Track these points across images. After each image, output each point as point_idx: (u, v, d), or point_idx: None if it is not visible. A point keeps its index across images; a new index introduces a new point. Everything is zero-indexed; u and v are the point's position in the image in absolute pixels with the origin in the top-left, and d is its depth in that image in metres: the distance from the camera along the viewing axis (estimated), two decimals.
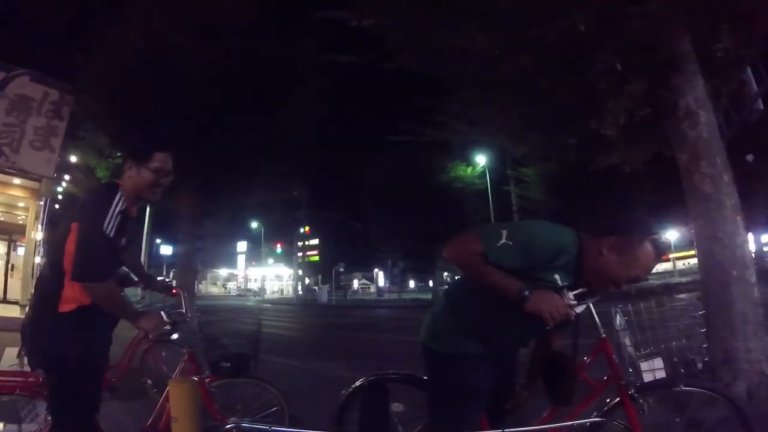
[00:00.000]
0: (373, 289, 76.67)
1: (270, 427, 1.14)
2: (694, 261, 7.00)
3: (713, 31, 5.10)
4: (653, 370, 2.76)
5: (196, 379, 3.23)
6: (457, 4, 5.36)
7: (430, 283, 49.39)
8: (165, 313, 2.91)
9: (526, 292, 2.15)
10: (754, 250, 33.35)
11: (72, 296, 2.52)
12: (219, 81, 12.73)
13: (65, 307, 2.52)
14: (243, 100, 13.24)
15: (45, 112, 14.32)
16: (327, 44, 11.16)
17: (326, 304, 45.20)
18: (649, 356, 2.80)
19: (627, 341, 2.85)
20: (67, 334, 2.53)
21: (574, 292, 2.24)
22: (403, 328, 19.08)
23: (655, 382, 2.75)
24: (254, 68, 13.35)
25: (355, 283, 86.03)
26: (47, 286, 2.61)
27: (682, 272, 42.07)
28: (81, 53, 13.59)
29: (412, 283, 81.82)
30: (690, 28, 5.05)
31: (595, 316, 2.69)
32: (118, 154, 14.26)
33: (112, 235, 2.50)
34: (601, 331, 2.72)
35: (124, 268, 3.28)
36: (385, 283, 73.93)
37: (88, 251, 2.47)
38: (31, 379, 2.88)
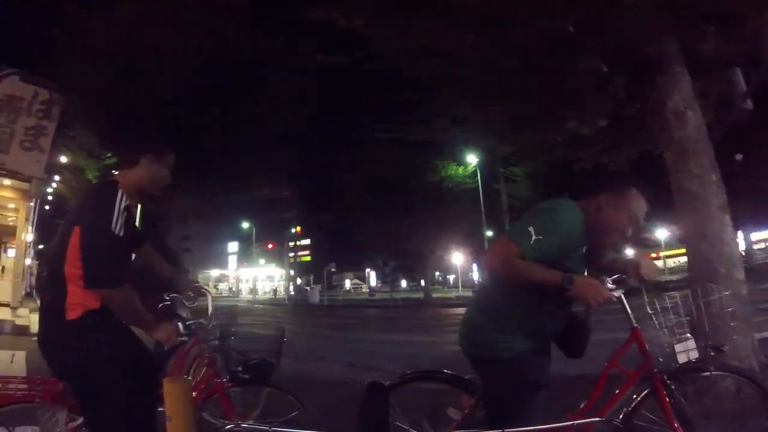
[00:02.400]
0: (365, 288, 76.63)
1: (270, 428, 1.15)
2: (684, 259, 7.06)
3: (700, 32, 5.15)
4: (687, 351, 2.80)
5: (216, 381, 3.31)
6: (442, 6, 5.38)
7: (422, 282, 49.36)
8: (181, 323, 2.87)
9: (569, 281, 2.28)
10: (743, 248, 33.62)
11: (77, 302, 2.38)
12: (199, 78, 12.61)
13: (72, 315, 2.38)
14: (218, 96, 13.13)
15: (35, 112, 14.21)
16: (311, 42, 11.15)
17: (318, 304, 45.07)
18: (682, 339, 2.84)
19: (660, 324, 2.88)
20: (80, 341, 2.40)
21: (612, 277, 2.51)
22: (396, 327, 19.17)
23: (689, 365, 2.79)
24: (235, 64, 13.25)
25: (347, 283, 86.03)
26: (50, 296, 2.48)
27: (672, 270, 42.31)
28: (59, 51, 13.42)
29: (404, 283, 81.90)
30: (676, 29, 5.08)
31: (627, 305, 2.72)
32: (108, 155, 14.18)
33: (121, 234, 2.40)
34: (633, 320, 2.76)
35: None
36: (376, 283, 73.94)
37: (99, 255, 2.35)
38: (51, 387, 2.79)
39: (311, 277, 66.45)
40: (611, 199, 2.55)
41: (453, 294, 50.00)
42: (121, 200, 2.44)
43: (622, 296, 2.68)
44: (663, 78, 5.21)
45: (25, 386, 2.89)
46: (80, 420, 2.79)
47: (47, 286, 2.57)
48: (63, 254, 2.40)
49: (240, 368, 3.30)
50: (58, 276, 2.41)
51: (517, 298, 2.47)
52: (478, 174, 34.17)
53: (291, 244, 62.91)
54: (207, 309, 3.43)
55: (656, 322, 2.88)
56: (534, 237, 2.37)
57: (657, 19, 4.76)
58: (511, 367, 2.51)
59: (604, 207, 2.53)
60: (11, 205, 17.10)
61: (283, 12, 13.39)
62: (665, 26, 4.96)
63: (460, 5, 5.17)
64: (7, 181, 14.43)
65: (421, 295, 44.56)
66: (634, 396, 2.73)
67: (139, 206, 19.26)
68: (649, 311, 2.91)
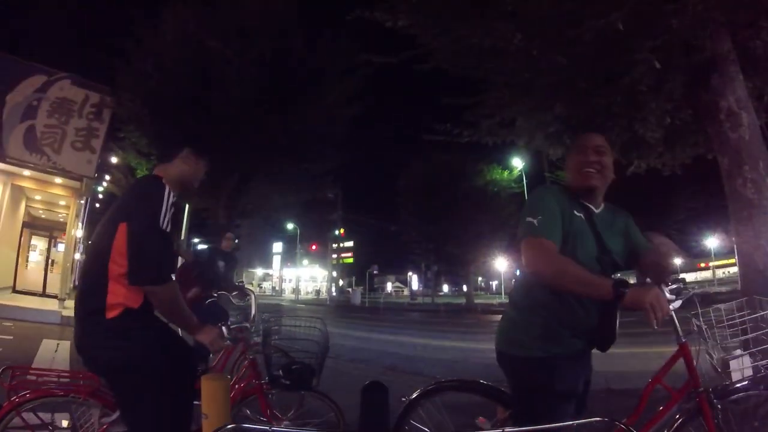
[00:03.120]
0: (406, 292, 76.54)
1: (270, 428, 1.13)
2: (735, 270, 6.77)
3: (753, 29, 4.95)
4: (742, 369, 2.65)
5: (255, 383, 3.30)
6: (492, 4, 5.32)
7: (464, 288, 49.00)
8: (226, 328, 2.91)
9: (623, 285, 2.09)
10: None
11: (118, 301, 2.34)
12: (253, 83, 12.92)
13: (111, 314, 2.34)
14: (276, 102, 13.40)
15: (86, 114, 14.75)
16: (361, 45, 11.27)
17: (359, 305, 45.28)
18: (736, 356, 2.68)
19: (711, 338, 2.74)
20: (118, 341, 2.36)
21: (670, 287, 2.29)
22: (437, 332, 19.05)
23: (739, 384, 2.60)
24: (288, 69, 13.53)
25: (389, 286, 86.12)
26: (90, 297, 2.42)
27: (722, 281, 40.79)
28: (119, 57, 13.97)
29: (445, 287, 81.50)
30: (729, 26, 4.90)
31: (675, 319, 2.55)
32: (158, 155, 14.61)
33: (168, 230, 2.39)
34: (681, 334, 2.61)
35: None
36: (418, 287, 73.76)
37: (147, 251, 2.32)
38: (86, 382, 2.84)
39: (353, 279, 66.77)
40: (570, 150, 2.70)
41: (495, 300, 49.50)
42: (168, 196, 2.44)
43: (672, 312, 2.46)
44: (717, 78, 5.03)
45: (63, 380, 2.98)
46: (114, 416, 2.81)
47: (86, 283, 2.50)
48: (108, 251, 2.36)
49: (281, 372, 3.23)
50: (100, 274, 2.37)
51: (557, 299, 2.35)
52: (524, 178, 33.72)
53: (334, 245, 63.25)
54: (251, 308, 3.44)
55: (706, 336, 2.71)
56: (536, 218, 2.30)
57: (710, 16, 4.60)
58: (539, 367, 2.38)
59: (568, 160, 2.65)
60: (62, 202, 17.78)
61: (332, 12, 13.55)
62: (721, 23, 4.79)
63: (526, 4, 5.11)
64: (58, 179, 14.99)
65: (462, 300, 44.26)
66: (677, 416, 2.56)
67: (187, 205, 19.76)
68: (701, 325, 2.73)
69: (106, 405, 2.82)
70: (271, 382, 3.26)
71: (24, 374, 2.89)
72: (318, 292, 72.23)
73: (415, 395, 2.99)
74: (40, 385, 2.88)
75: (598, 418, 1.27)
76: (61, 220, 19.41)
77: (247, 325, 3.30)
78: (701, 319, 2.75)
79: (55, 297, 15.35)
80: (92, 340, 2.43)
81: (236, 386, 3.39)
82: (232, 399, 3.03)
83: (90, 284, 2.44)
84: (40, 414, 2.89)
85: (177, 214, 2.95)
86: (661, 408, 2.61)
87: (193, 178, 2.79)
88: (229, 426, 1.16)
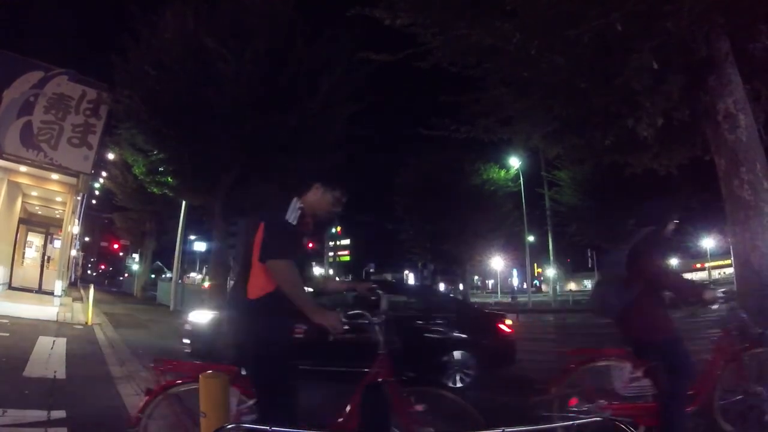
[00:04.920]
0: None
1: (270, 428, 1.14)
2: (731, 270, 6.79)
3: (751, 31, 4.96)
4: None
5: (388, 380, 3.14)
6: (492, 4, 5.32)
7: (460, 286, 49.00)
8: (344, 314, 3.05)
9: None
10: None
11: (259, 285, 2.84)
12: (251, 80, 12.90)
13: (253, 294, 2.86)
14: (274, 99, 13.37)
15: (83, 111, 14.69)
16: (360, 43, 11.27)
17: None
18: None
19: None
20: (258, 319, 2.85)
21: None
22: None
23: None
24: (286, 67, 13.50)
25: None
26: (238, 285, 3.01)
27: (718, 282, 40.87)
28: (117, 54, 13.91)
29: (441, 286, 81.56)
30: (727, 28, 4.91)
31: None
32: (155, 152, 14.55)
33: (294, 222, 2.90)
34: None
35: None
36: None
37: (272, 234, 2.87)
38: (225, 371, 2.92)
39: (350, 277, 66.74)
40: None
41: (491, 299, 49.48)
42: (295, 203, 3.00)
43: None
44: (715, 80, 5.05)
45: (189, 367, 3.34)
46: (250, 402, 3.03)
47: (238, 278, 3.07)
48: (251, 246, 2.91)
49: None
50: (247, 265, 2.92)
51: None
52: (521, 178, 33.71)
53: (331, 243, 63.25)
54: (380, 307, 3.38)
55: None
56: None
57: (709, 18, 4.61)
58: None
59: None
60: (59, 199, 17.73)
61: (331, 11, 13.54)
62: (719, 25, 4.80)
63: (525, 4, 5.12)
64: (55, 176, 14.95)
65: (459, 298, 44.23)
66: None
67: (184, 203, 19.66)
68: None
69: (244, 393, 3.03)
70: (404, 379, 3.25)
71: (170, 365, 3.35)
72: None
73: None
74: (185, 372, 3.23)
75: (598, 418, 1.28)
76: (58, 216, 19.37)
77: (366, 312, 3.30)
78: None
79: (51, 294, 15.32)
80: (233, 320, 3.11)
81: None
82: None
83: (241, 275, 2.99)
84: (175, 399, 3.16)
85: (320, 234, 3.32)
86: None
87: (321, 208, 3.24)
88: (229, 426, 1.17)
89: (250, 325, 2.90)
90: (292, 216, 2.91)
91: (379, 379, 3.17)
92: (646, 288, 3.68)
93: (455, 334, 7.84)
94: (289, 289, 2.79)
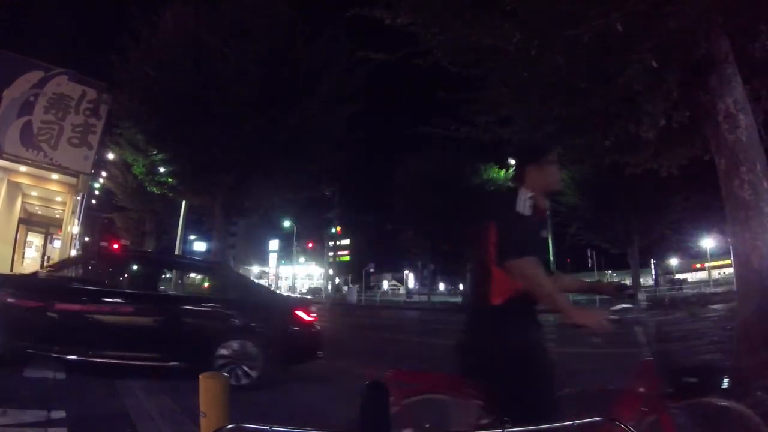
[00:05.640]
0: (402, 290, 76.51)
1: (270, 428, 1.13)
2: (731, 270, 6.77)
3: (751, 31, 4.96)
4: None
5: (652, 393, 2.61)
6: (492, 3, 5.32)
7: (460, 286, 48.98)
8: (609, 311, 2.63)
9: None
10: None
11: (500, 289, 2.56)
12: (252, 80, 12.91)
13: (496, 300, 2.56)
14: (273, 99, 13.39)
15: (83, 111, 14.72)
16: (359, 42, 11.27)
17: (355, 304, 45.21)
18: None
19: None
20: (499, 327, 2.57)
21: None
22: (433, 331, 19.06)
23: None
24: (286, 67, 13.51)
25: (385, 284, 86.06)
26: (477, 292, 2.70)
27: (717, 282, 40.88)
28: (117, 54, 13.93)
29: (441, 286, 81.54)
30: (727, 28, 4.91)
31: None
32: (155, 152, 14.56)
33: (527, 213, 2.58)
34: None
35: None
36: (414, 285, 73.73)
37: (505, 232, 2.56)
38: (464, 383, 2.72)
39: (350, 277, 66.73)
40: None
41: None
42: (524, 192, 2.65)
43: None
44: (715, 79, 5.04)
45: (443, 382, 2.90)
46: (489, 419, 2.62)
47: (476, 281, 2.75)
48: (486, 249, 2.61)
49: (682, 372, 2.72)
50: (484, 271, 2.63)
51: None
52: None
53: (331, 243, 63.14)
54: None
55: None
56: None
57: (709, 18, 4.61)
58: None
59: None
60: (59, 199, 17.77)
61: (331, 10, 13.55)
62: (719, 25, 4.80)
63: (525, 4, 5.11)
64: (55, 176, 14.96)
65: (459, 299, 44.23)
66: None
67: (184, 203, 19.58)
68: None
69: (484, 408, 2.66)
70: (672, 384, 2.66)
71: (406, 375, 3.00)
72: (319, 290, 72.17)
73: None
74: (422, 384, 2.89)
75: (598, 418, 1.27)
76: (58, 216, 19.39)
77: (632, 306, 2.83)
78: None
79: None
80: (477, 326, 2.73)
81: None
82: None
83: (479, 279, 2.70)
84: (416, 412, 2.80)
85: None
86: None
87: (552, 182, 2.85)
88: (229, 426, 1.16)
89: (495, 333, 2.59)
90: (523, 206, 2.59)
91: (641, 391, 2.64)
92: None
93: (233, 321, 7.04)
94: (535, 289, 2.49)
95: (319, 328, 7.50)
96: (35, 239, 20.31)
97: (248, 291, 8.34)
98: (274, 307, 7.75)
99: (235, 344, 6.67)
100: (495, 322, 2.59)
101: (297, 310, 7.40)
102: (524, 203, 2.59)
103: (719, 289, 28.40)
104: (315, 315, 7.48)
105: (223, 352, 6.60)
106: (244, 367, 6.56)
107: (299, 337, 7.18)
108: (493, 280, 2.57)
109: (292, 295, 33.20)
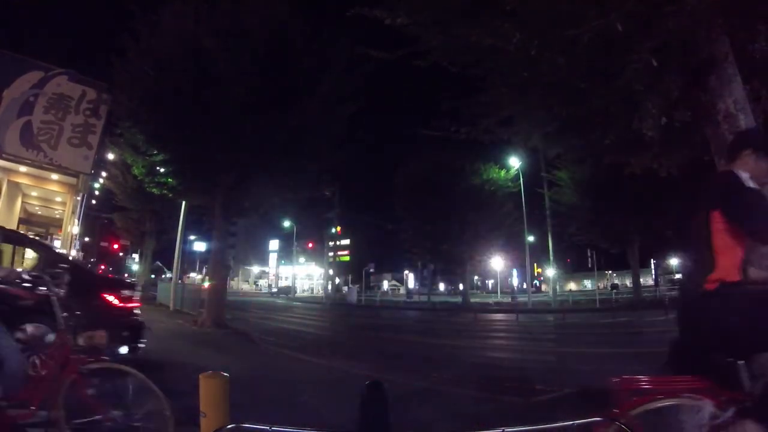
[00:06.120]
0: (402, 290, 76.55)
1: (270, 428, 1.13)
2: None
3: (751, 31, 4.95)
4: None
5: None
6: (492, 3, 5.32)
7: (460, 286, 49.00)
8: None
9: None
10: None
11: (717, 276, 2.51)
12: (251, 80, 12.91)
13: (710, 285, 2.52)
14: (273, 99, 13.39)
15: (83, 111, 14.74)
16: (359, 42, 11.29)
17: (356, 304, 45.18)
18: None
19: None
20: (712, 310, 2.51)
21: None
22: (432, 331, 19.08)
23: None
24: (286, 67, 13.52)
25: (385, 284, 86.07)
26: (696, 273, 2.66)
27: None
28: (117, 54, 13.94)
29: (441, 286, 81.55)
30: (727, 28, 4.91)
31: None
32: (155, 152, 14.57)
33: (751, 185, 2.56)
34: None
35: None
36: (414, 285, 73.77)
37: (743, 207, 2.52)
38: (696, 382, 2.55)
39: (349, 277, 66.75)
40: None
41: (491, 299, 49.48)
42: (738, 175, 2.61)
43: None
44: (715, 80, 5.04)
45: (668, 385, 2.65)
46: (726, 415, 2.42)
47: (694, 268, 2.71)
48: (708, 237, 2.57)
49: None
50: (705, 257, 2.58)
51: None
52: (521, 178, 33.72)
53: (331, 243, 63.21)
54: None
55: None
56: None
57: (709, 18, 4.61)
58: None
59: None
60: (59, 199, 17.78)
61: (330, 10, 13.56)
62: (719, 25, 4.79)
63: (525, 4, 5.11)
64: (55, 176, 14.98)
65: (458, 299, 44.23)
66: None
67: (184, 203, 19.47)
68: None
69: (718, 404, 2.45)
70: None
71: (636, 381, 2.65)
72: (312, 290, 72.09)
73: None
74: (656, 389, 2.62)
75: (598, 418, 1.27)
76: (57, 216, 19.41)
77: None
78: None
79: None
80: (692, 311, 2.69)
81: None
82: None
83: (697, 267, 2.67)
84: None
85: None
86: None
87: (762, 175, 2.79)
88: (229, 426, 1.16)
89: (705, 316, 2.53)
90: (743, 178, 2.57)
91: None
92: None
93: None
94: None
95: (137, 317, 6.72)
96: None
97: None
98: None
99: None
100: (737, 303, 2.47)
101: (107, 292, 6.59)
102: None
103: None
104: (136, 301, 6.75)
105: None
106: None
107: (104, 323, 5.94)
108: (721, 258, 2.54)
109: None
